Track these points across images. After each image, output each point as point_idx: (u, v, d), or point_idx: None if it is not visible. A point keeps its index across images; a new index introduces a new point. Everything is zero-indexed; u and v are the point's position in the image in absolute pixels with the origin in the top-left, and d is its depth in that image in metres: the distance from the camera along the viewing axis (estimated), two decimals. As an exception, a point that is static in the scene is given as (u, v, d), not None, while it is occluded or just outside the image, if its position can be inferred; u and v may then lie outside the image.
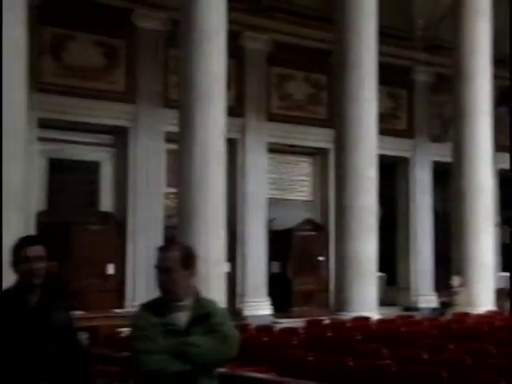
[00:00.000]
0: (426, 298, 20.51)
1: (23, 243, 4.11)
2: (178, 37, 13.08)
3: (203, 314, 3.98)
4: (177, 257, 3.93)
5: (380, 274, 16.36)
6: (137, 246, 16.80)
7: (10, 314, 3.91)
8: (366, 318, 12.84)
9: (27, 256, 3.98)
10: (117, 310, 15.13)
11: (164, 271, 3.90)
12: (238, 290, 18.02)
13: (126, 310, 15.81)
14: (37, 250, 4.03)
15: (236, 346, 4.05)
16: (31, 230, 13.73)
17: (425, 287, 21.43)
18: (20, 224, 10.59)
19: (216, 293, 12.13)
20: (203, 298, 4.11)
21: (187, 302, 3.96)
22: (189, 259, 3.99)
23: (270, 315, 17.57)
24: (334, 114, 16.34)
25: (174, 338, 3.88)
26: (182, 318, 3.95)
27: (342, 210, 14.47)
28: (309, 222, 19.88)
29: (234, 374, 7.27)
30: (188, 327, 3.93)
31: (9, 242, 9.51)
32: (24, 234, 4.76)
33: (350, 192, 14.28)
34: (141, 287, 16.44)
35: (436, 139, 22.13)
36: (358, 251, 14.09)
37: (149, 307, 3.98)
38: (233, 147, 17.17)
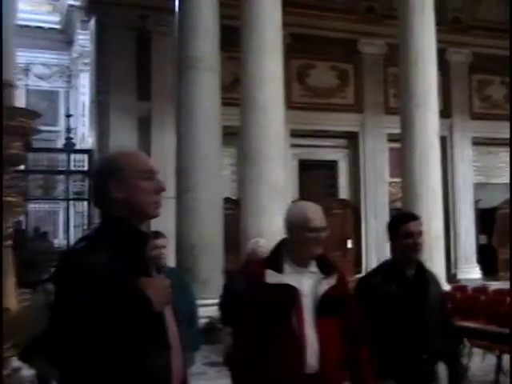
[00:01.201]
0: None
1: (404, 219, 3.57)
2: (398, 57, 12.98)
3: None
4: None
5: None
6: (368, 225, 16.92)
7: (391, 287, 3.45)
8: None
9: (411, 231, 3.45)
10: (356, 276, 15.30)
11: None
12: (453, 258, 17.62)
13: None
14: (418, 225, 3.49)
15: None
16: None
17: None
18: (281, 211, 11.01)
19: (437, 261, 11.99)
20: None
21: None
22: None
23: (479, 279, 17.01)
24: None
25: None
26: None
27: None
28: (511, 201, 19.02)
29: (460, 326, 7.20)
30: None
31: (266, 228, 10.23)
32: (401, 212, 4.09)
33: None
34: (372, 257, 16.57)
35: None
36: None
37: None
38: (443, 143, 16.76)
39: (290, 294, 2.99)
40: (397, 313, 3.39)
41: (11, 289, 1.84)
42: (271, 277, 3.04)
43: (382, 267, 3.67)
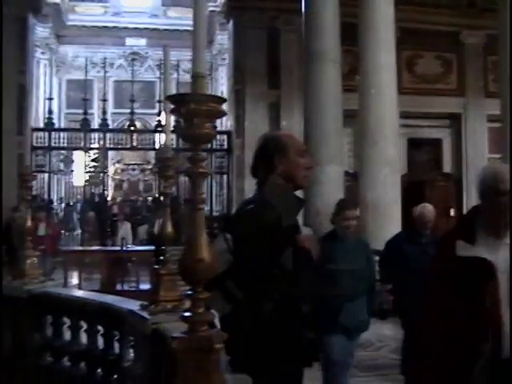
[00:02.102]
0: None
1: None
2: (497, 47, 12.34)
3: None
4: None
5: None
6: (469, 196, 16.31)
7: None
8: None
9: None
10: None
11: None
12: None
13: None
14: None
15: None
16: (398, 188, 13.90)
17: None
18: (393, 184, 10.85)
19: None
20: None
21: None
22: None
23: None
24: None
25: None
26: None
27: None
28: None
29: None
30: None
31: (381, 198, 10.04)
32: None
33: None
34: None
35: None
36: None
37: None
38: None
39: (485, 270, 2.27)
40: None
41: (204, 242, 1.93)
42: (463, 249, 2.34)
43: None
